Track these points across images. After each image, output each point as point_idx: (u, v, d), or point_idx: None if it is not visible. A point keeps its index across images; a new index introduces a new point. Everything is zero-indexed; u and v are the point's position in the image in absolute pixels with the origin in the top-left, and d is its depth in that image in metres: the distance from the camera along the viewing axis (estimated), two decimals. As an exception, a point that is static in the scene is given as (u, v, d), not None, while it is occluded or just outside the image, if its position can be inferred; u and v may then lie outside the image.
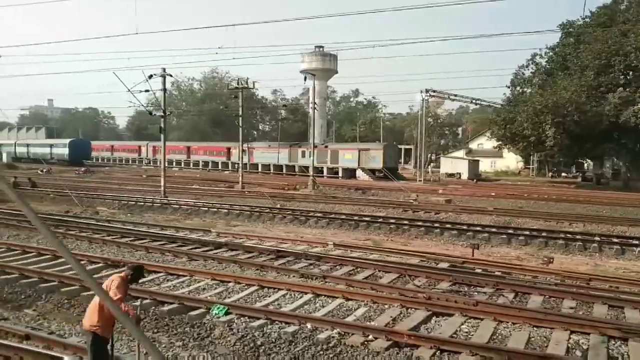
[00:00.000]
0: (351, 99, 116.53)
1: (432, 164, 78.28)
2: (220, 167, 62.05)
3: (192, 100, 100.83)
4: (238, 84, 33.83)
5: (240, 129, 34.49)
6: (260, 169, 57.39)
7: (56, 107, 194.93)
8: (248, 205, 23.37)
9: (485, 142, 76.73)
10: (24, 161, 66.33)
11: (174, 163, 67.19)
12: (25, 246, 12.62)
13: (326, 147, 53.42)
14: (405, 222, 19.06)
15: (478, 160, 56.09)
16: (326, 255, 11.96)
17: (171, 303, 8.29)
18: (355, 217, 19.98)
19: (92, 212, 21.73)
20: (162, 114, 26.89)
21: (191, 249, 12.86)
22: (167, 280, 9.94)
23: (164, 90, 27.49)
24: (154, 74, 27.15)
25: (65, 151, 62.51)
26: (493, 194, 33.12)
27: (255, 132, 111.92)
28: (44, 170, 48.86)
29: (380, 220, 19.39)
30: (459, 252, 14.06)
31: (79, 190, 29.16)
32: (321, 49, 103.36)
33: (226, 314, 7.85)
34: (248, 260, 11.50)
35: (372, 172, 48.56)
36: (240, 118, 34.04)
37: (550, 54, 42.35)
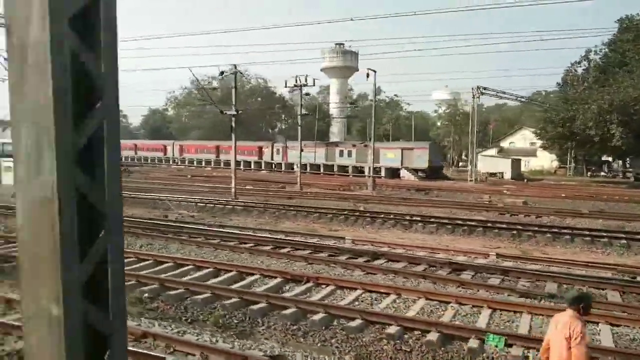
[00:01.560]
0: (370, 97, 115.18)
1: (460, 163, 77.37)
2: (252, 166, 61.00)
3: (214, 99, 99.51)
4: (296, 82, 32.66)
5: (299, 128, 33.40)
6: (295, 168, 56.22)
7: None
8: (326, 208, 22.27)
9: (517, 141, 75.75)
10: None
11: (203, 162, 66.22)
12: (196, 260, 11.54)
13: (366, 146, 52.12)
14: (519, 227, 17.96)
15: (520, 160, 54.82)
16: (515, 270, 10.84)
17: (427, 332, 7.19)
18: (458, 221, 18.84)
19: (177, 216, 20.68)
20: (234, 112, 25.67)
21: (348, 259, 11.76)
22: (376, 300, 8.83)
23: (235, 87, 26.37)
24: (225, 71, 26.15)
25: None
26: (563, 194, 32.00)
27: (271, 131, 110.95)
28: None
29: (490, 224, 18.28)
30: (632, 261, 12.91)
31: (135, 191, 28.06)
32: (341, 46, 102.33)
33: (506, 345, 6.75)
34: (443, 276, 10.33)
35: (415, 171, 47.43)
36: (299, 117, 32.96)
37: (606, 50, 41.17)
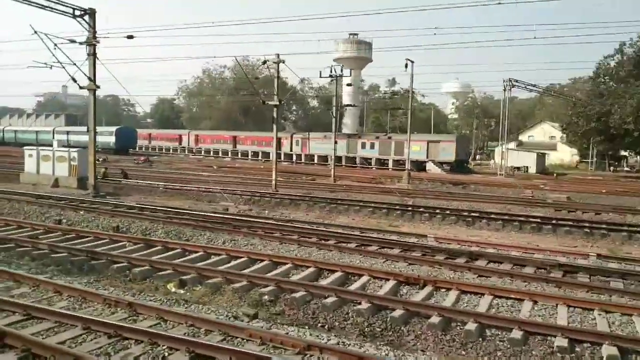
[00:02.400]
0: (380, 89, 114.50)
1: (477, 156, 76.53)
2: (271, 157, 60.27)
3: (225, 89, 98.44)
4: (331, 72, 31.86)
5: (334, 120, 32.69)
6: (316, 160, 55.59)
7: (71, 94, 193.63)
8: (375, 202, 21.62)
9: (537, 134, 74.91)
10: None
11: (220, 152, 65.54)
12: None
13: (389, 138, 51.54)
14: (587, 225, 17.30)
15: (544, 154, 54.07)
16: (632, 272, 10.21)
17: (599, 344, 6.58)
18: (521, 218, 18.16)
19: (223, 208, 20.05)
20: (276, 102, 24.93)
21: (446, 259, 11.15)
22: (512, 307, 8.21)
23: (277, 77, 25.63)
24: (268, 60, 25.44)
25: (111, 139, 60.85)
26: (604, 190, 31.37)
27: (284, 121, 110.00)
28: (100, 160, 47.20)
29: (558, 222, 17.61)
30: None
31: (171, 182, 27.43)
32: (355, 36, 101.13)
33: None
34: (570, 281, 9.66)
35: (440, 164, 46.76)
36: (335, 108, 32.23)
37: (640, 43, 40.26)
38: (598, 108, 37.67)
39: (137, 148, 66.23)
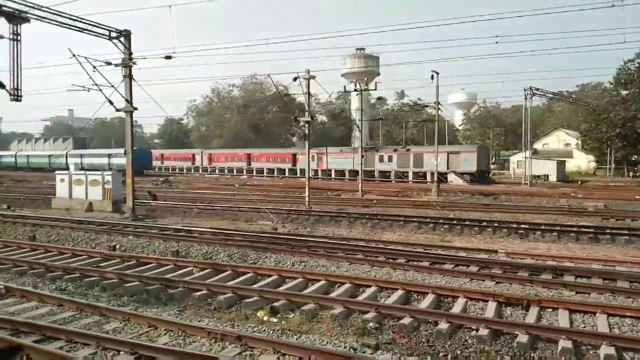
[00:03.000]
0: (388, 101, 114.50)
1: (492, 166, 75.99)
2: (287, 174, 59.95)
3: (235, 107, 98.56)
4: (356, 86, 31.62)
5: (361, 133, 32.40)
6: (333, 175, 55.25)
7: (77, 117, 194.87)
8: (416, 216, 21.15)
9: (551, 142, 74.51)
10: (76, 172, 64.72)
11: (235, 170, 65.30)
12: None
13: (408, 150, 51.17)
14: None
15: (564, 161, 53.58)
16: None
17: None
18: (574, 229, 17.65)
19: (272, 227, 19.60)
20: (308, 118, 24.64)
21: (530, 275, 10.64)
22: (634, 327, 7.71)
23: (308, 94, 25.38)
24: (298, 76, 25.21)
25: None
26: (638, 197, 30.80)
27: (294, 138, 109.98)
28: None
29: (614, 232, 17.09)
30: None
31: (197, 202, 27.07)
32: (362, 50, 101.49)
33: None
34: None
35: (462, 175, 46.31)
36: (360, 122, 31.92)
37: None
38: (623, 113, 37.24)
39: (152, 169, 66.08)
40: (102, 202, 22.50)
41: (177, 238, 14.81)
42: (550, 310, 8.39)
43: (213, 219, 22.43)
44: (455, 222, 19.42)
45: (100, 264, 11.78)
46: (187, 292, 9.41)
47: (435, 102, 32.71)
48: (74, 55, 18.05)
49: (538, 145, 72.32)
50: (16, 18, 15.58)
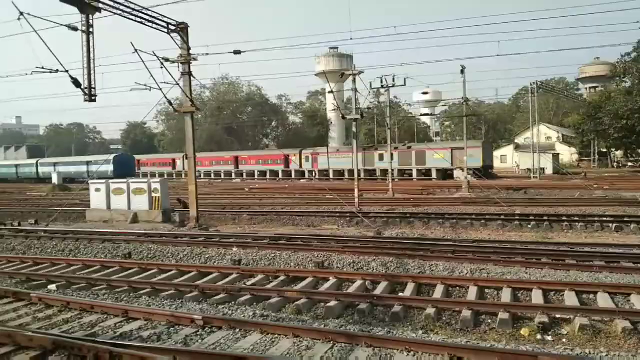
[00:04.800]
0: (359, 101, 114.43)
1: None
2: (280, 175, 58.44)
3: (207, 109, 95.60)
4: (381, 82, 30.61)
5: (388, 131, 31.50)
6: (331, 175, 54.19)
7: (25, 124, 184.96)
8: (488, 214, 20.51)
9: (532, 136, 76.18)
10: (48, 182, 60.74)
11: (222, 174, 63.18)
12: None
13: (409, 147, 50.80)
14: None
15: (558, 154, 54.72)
16: None
17: None
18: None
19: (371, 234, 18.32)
20: (357, 116, 23.50)
21: None
22: None
23: (354, 90, 24.20)
24: (344, 73, 24.04)
25: (109, 168, 57.36)
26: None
27: (265, 138, 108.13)
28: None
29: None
30: None
31: (226, 207, 25.39)
32: (335, 49, 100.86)
33: None
34: None
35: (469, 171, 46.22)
36: (389, 119, 31.06)
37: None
38: (630, 105, 38.14)
39: (136, 175, 62.91)
40: (150, 212, 20.55)
41: (300, 248, 13.27)
42: None
43: (273, 225, 20.98)
44: (545, 218, 18.81)
45: (237, 282, 10.33)
46: (403, 310, 8.20)
47: (462, 98, 32.21)
48: (135, 50, 16.21)
49: (520, 139, 73.86)
50: (89, 7, 13.73)
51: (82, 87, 13.63)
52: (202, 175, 65.14)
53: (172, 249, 13.82)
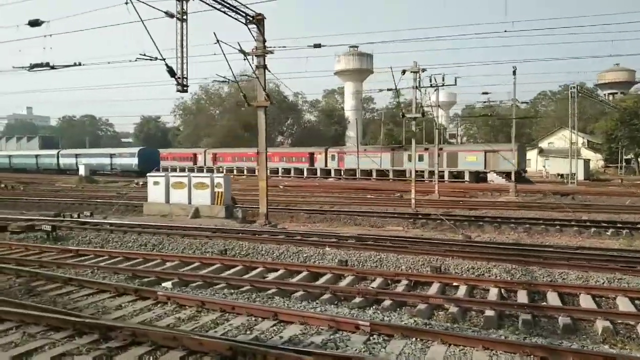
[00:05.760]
0: (374, 101, 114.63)
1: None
2: (305, 174, 57.90)
3: (225, 105, 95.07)
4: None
5: (436, 131, 30.99)
6: (358, 175, 53.65)
7: (36, 115, 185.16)
8: (559, 220, 19.99)
9: (556, 141, 75.42)
10: (69, 173, 60.52)
11: (245, 170, 62.72)
12: None
13: (441, 149, 50.07)
14: None
15: (589, 160, 54.06)
16: None
17: None
18: None
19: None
20: (417, 114, 23.03)
21: None
22: None
23: (417, 87, 23.72)
24: (406, 70, 23.56)
25: (133, 161, 57.10)
26: None
27: (281, 136, 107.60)
28: (139, 183, 44.04)
29: None
30: None
31: (272, 205, 24.86)
32: (356, 48, 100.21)
33: None
34: None
35: (502, 174, 45.71)
36: (436, 118, 30.47)
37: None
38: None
39: (161, 169, 62.57)
40: (212, 207, 20.10)
41: (408, 251, 12.76)
42: None
43: (334, 224, 20.54)
44: (619, 225, 18.30)
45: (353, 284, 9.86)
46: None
47: (512, 99, 31.68)
48: (217, 42, 15.78)
49: (543, 144, 73.15)
50: (183, -6, 13.29)
51: (175, 76, 13.17)
52: (224, 170, 64.73)
53: (264, 246, 13.36)
